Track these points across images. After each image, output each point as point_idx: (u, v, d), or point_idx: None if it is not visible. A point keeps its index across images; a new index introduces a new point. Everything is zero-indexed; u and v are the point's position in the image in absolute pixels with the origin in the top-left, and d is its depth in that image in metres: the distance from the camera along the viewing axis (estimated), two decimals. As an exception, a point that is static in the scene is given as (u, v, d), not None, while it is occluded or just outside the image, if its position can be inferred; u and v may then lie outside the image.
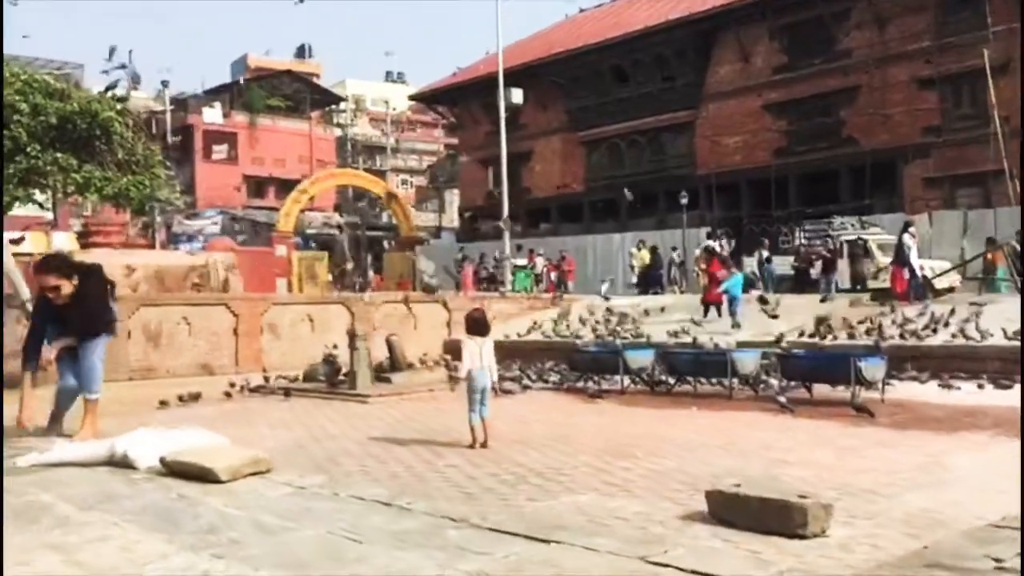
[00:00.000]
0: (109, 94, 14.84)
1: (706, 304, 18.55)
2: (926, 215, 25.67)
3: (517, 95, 28.83)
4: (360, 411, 10.25)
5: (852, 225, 25.67)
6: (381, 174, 55.24)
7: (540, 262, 27.78)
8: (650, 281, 26.39)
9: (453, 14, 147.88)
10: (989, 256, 21.13)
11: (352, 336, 11.46)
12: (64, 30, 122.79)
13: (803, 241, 26.10)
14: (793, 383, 10.48)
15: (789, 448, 7.30)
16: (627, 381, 11.63)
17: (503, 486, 5.98)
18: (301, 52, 78.59)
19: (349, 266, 34.83)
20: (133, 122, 13.63)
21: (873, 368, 9.77)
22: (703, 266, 19.94)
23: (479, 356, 7.54)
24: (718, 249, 20.60)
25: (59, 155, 11.98)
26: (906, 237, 19.05)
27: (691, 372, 11.19)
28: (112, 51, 43.72)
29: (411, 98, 50.74)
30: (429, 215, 56.58)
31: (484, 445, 7.36)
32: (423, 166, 67.95)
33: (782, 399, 9.46)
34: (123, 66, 41.98)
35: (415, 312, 20.51)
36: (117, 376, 15.89)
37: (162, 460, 3.97)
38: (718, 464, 6.61)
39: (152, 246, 33.35)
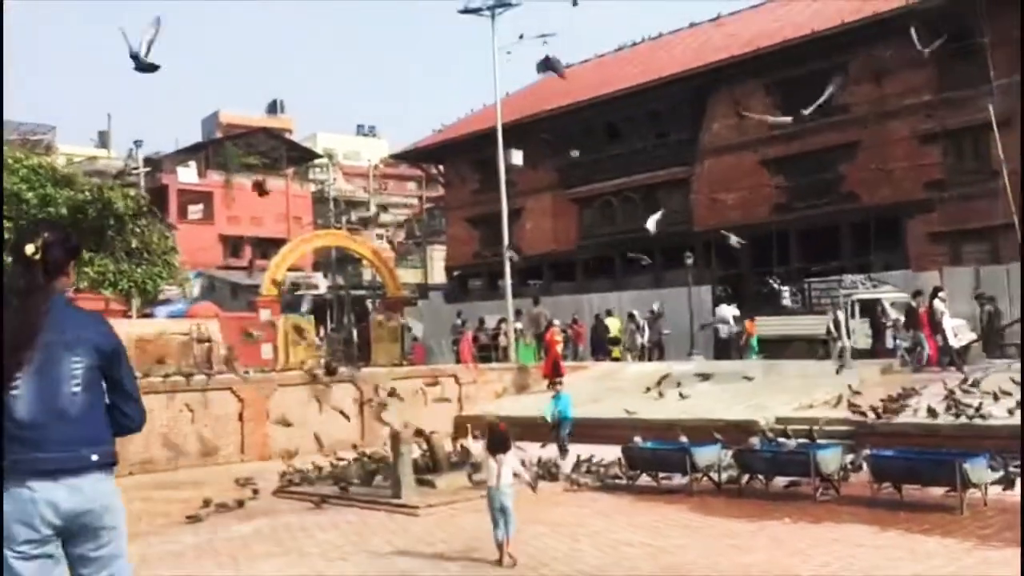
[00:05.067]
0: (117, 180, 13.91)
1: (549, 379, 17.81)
2: (936, 272, 25.21)
3: (517, 156, 28.11)
4: (416, 530, 9.24)
5: (862, 283, 25.15)
6: (357, 230, 54.46)
7: (523, 320, 26.73)
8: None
9: (426, 66, 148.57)
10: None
11: (396, 439, 10.47)
12: (28, 86, 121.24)
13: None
14: (885, 484, 9.65)
15: (942, 587, 6.45)
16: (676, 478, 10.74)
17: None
18: (273, 108, 78.06)
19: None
20: (147, 208, 12.68)
21: (979, 469, 8.98)
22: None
23: (496, 476, 7.45)
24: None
25: (71, 248, 10.91)
26: (937, 302, 18.50)
27: (767, 471, 10.34)
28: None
29: (394, 157, 50.00)
30: (410, 271, 55.62)
31: (511, 558, 7.35)
32: (399, 220, 67.28)
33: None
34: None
35: (425, 389, 19.54)
36: (119, 471, 14.78)
37: None
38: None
39: (128, 312, 32.07)
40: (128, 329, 22.16)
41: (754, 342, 24.63)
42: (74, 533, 3.19)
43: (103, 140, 69.65)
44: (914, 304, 19.62)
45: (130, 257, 11.05)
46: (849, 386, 16.36)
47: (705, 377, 19.06)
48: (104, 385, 3.38)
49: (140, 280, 10.94)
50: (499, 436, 7.83)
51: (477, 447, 13.81)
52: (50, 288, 3.31)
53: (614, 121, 34.90)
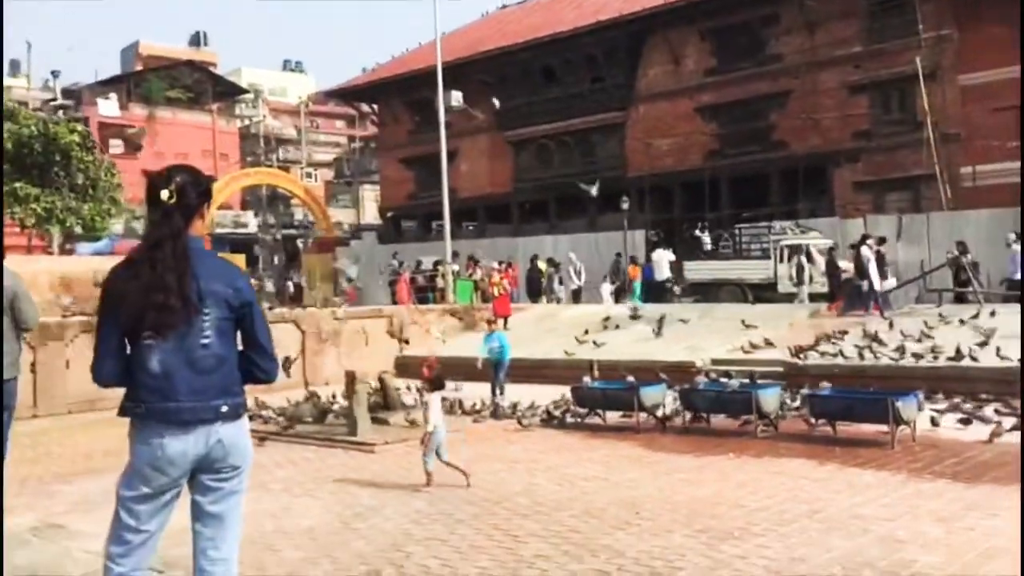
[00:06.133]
0: (61, 113, 13.38)
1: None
2: (860, 220, 26.07)
3: (457, 98, 27.97)
4: (374, 467, 9.46)
5: (791, 229, 25.90)
6: (286, 168, 53.61)
7: (480, 271, 26.90)
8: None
9: (353, 2, 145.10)
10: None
11: (352, 379, 10.65)
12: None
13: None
14: (821, 421, 10.21)
15: (881, 517, 6.92)
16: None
17: (627, 591, 5.40)
18: (196, 40, 75.52)
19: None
20: (94, 143, 12.34)
21: (910, 407, 9.57)
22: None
23: (439, 411, 8.13)
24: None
25: (17, 184, 10.66)
26: (864, 249, 19.12)
27: (711, 409, 10.82)
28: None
29: (327, 94, 49.12)
30: (340, 210, 55.14)
31: (466, 480, 8.00)
32: (328, 159, 66.31)
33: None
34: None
35: (367, 329, 19.69)
36: (55, 410, 14.56)
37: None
38: (830, 546, 6.14)
39: (49, 248, 31.13)
40: (51, 266, 21.38)
41: (636, 286, 25.38)
42: (200, 468, 3.34)
43: (14, 69, 66.78)
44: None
45: (76, 193, 10.83)
46: (742, 322, 17.57)
47: (659, 325, 19.19)
48: (238, 335, 3.40)
49: (89, 217, 10.71)
50: (438, 376, 8.67)
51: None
52: (187, 234, 3.31)
53: (551, 64, 34.94)
